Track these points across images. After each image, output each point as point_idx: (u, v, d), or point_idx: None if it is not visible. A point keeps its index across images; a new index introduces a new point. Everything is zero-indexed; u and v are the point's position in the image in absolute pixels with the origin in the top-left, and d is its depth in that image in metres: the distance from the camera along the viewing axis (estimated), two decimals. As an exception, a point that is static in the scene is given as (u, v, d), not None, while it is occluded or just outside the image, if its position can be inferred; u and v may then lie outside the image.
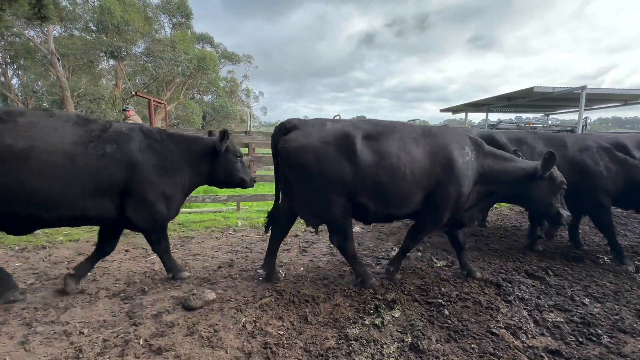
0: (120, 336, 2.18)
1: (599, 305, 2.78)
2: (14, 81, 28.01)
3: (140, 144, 2.70)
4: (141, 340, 2.14)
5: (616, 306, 2.76)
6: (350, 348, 2.11)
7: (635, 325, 2.47)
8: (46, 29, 18.64)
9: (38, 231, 4.37)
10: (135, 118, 7.19)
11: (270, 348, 2.10)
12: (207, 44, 31.74)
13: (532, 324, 2.46)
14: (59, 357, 1.98)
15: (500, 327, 2.38)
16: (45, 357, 1.98)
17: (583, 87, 8.31)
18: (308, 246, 4.17)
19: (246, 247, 4.08)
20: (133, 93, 9.90)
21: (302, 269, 3.42)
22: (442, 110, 14.17)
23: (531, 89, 8.95)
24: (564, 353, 2.13)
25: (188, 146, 3.03)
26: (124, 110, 7.51)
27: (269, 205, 6.28)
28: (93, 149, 2.47)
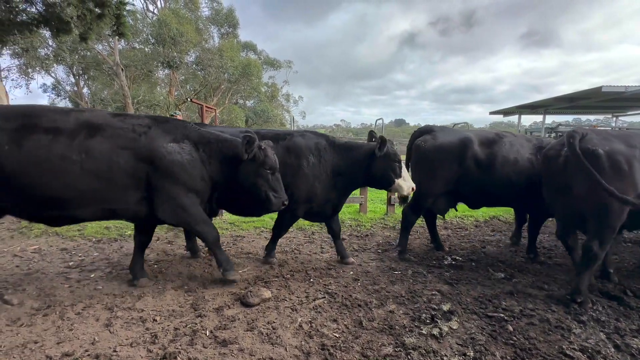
0: (188, 326, 2.35)
1: (694, 334, 2.44)
2: (85, 90, 31.48)
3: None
4: (207, 332, 2.28)
5: None
6: (409, 357, 2.07)
7: None
8: (113, 42, 20.80)
9: (111, 225, 4.86)
10: None
11: (328, 350, 2.12)
12: (251, 51, 33.17)
13: (612, 349, 2.22)
14: (137, 340, 2.18)
15: (574, 349, 2.18)
16: (126, 339, 2.19)
17: (664, 86, 7.37)
18: (355, 252, 4.16)
19: (295, 249, 4.18)
20: (188, 100, 10.70)
21: (351, 272, 3.42)
22: (491, 113, 13.36)
23: (599, 88, 8.11)
24: (655, 385, 1.90)
25: (353, 152, 3.45)
26: (172, 115, 8.05)
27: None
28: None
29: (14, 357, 2.01)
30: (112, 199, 2.61)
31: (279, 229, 3.66)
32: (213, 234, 2.94)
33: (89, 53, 23.50)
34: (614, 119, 14.19)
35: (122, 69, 20.22)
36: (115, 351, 2.06)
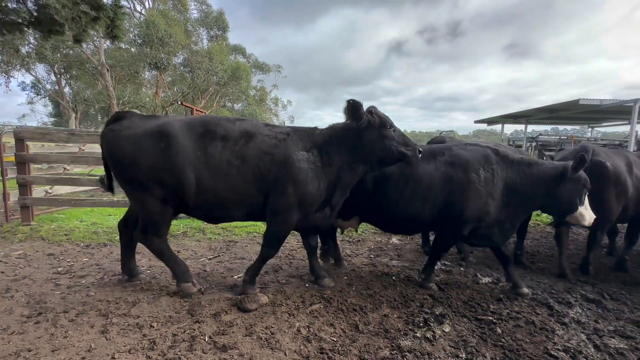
0: (186, 332, 2.35)
1: (665, 334, 2.62)
2: (66, 89, 30.54)
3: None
4: (206, 337, 2.30)
5: (686, 336, 2.59)
6: (404, 359, 2.15)
7: None
8: (98, 42, 20.34)
9: (99, 230, 4.76)
10: None
11: (327, 353, 2.18)
12: (240, 54, 33.05)
13: (592, 349, 2.37)
14: (136, 347, 2.17)
15: (558, 350, 2.31)
16: (124, 346, 2.18)
17: (636, 100, 7.84)
18: (348, 257, 4.24)
19: (288, 254, 4.21)
20: (178, 102, 10.60)
21: (345, 278, 3.49)
22: (476, 122, 13.82)
23: (577, 101, 8.55)
24: (631, 381, 2.04)
25: (534, 169, 3.09)
26: None
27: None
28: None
29: (9, 365, 1.97)
30: (257, 200, 2.79)
31: (439, 249, 3.32)
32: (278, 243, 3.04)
33: (71, 51, 22.89)
34: (590, 129, 14.92)
35: (108, 69, 19.78)
36: (113, 358, 2.05)
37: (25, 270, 3.42)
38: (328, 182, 2.84)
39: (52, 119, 38.16)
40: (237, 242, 4.63)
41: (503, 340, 2.42)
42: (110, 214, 5.88)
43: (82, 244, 4.28)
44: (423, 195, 3.04)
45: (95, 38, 17.79)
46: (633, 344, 2.45)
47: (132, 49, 21.39)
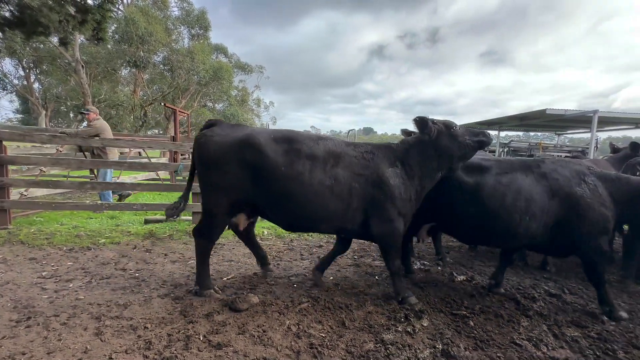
0: (181, 332, 2.44)
1: (614, 323, 2.97)
2: (35, 85, 29.05)
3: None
4: (200, 336, 2.40)
5: (631, 325, 2.94)
6: (387, 351, 2.34)
7: (649, 342, 2.66)
8: (72, 37, 19.55)
9: (82, 233, 4.69)
10: (99, 123, 6.01)
11: (316, 348, 2.34)
12: (222, 54, 32.67)
13: (552, 338, 2.66)
14: (132, 347, 2.25)
15: (522, 339, 2.59)
16: (120, 347, 2.25)
17: (595, 111, 8.54)
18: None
19: (275, 256, 4.34)
20: (161, 103, 10.42)
21: (331, 278, 3.66)
22: (453, 127, 14.50)
23: (544, 110, 9.19)
24: (583, 364, 2.33)
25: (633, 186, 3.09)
26: (81, 113, 6.89)
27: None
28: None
29: (3, 368, 2.00)
30: (348, 218, 2.97)
31: (601, 277, 3.06)
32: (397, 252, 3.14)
33: (42, 46, 21.89)
34: (557, 136, 15.96)
35: (83, 66, 19.07)
36: (111, 358, 2.12)
37: (8, 275, 3.36)
38: (415, 192, 3.09)
39: (19, 116, 36.10)
40: (224, 244, 4.70)
41: (475, 331, 2.66)
42: (91, 217, 5.77)
43: (64, 248, 4.22)
44: (523, 208, 2.99)
45: (70, 36, 17.07)
46: (586, 332, 2.77)
47: (109, 46, 20.74)
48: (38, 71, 27.63)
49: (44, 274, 3.43)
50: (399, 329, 2.65)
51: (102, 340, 2.31)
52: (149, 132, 26.62)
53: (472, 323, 2.79)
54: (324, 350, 2.32)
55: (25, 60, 24.07)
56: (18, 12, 4.05)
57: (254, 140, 2.82)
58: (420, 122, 3.06)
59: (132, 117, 21.86)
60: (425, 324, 2.75)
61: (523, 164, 3.21)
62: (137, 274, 3.52)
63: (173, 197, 8.33)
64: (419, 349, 2.40)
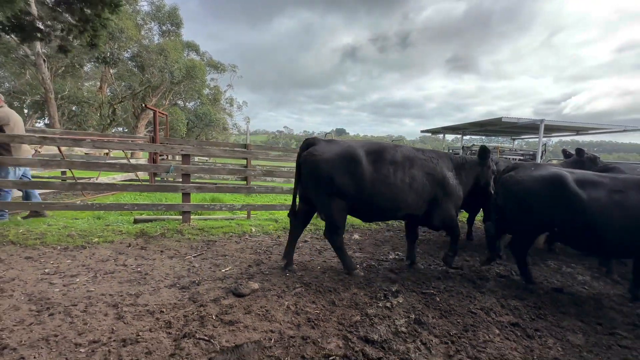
0: (194, 314, 2.80)
1: (547, 296, 3.70)
2: (-15, 78, 26.80)
3: None
4: (213, 316, 2.77)
5: (560, 296, 3.69)
6: (371, 321, 2.86)
7: (571, 309, 3.40)
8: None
9: (73, 232, 4.80)
10: (4, 110, 5.12)
11: (313, 321, 2.80)
12: (193, 51, 32.01)
13: (499, 307, 3.32)
14: (154, 327, 2.58)
15: (477, 309, 3.22)
16: (143, 327, 2.57)
17: (542, 120, 9.75)
18: (322, 249, 4.89)
19: (266, 250, 4.73)
20: (143, 105, 10.27)
21: (319, 267, 4.13)
22: (422, 131, 15.56)
23: (500, 118, 10.31)
24: (521, 325, 2.99)
25: None
26: None
27: (273, 215, 6.94)
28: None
29: (41, 347, 2.26)
30: (418, 208, 3.87)
31: None
32: (458, 233, 4.17)
33: (-7, 36, 20.30)
34: (512, 140, 17.61)
35: (44, 60, 18.03)
36: (138, 335, 2.44)
37: (10, 273, 3.49)
38: (461, 194, 4.18)
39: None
40: (215, 241, 5.01)
41: (440, 305, 3.26)
42: (76, 218, 5.80)
43: (59, 247, 4.33)
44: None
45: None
46: (525, 303, 3.46)
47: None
48: (-14, 63, 25.51)
49: (46, 270, 3.59)
50: (380, 305, 3.18)
51: (125, 323, 2.61)
52: (113, 131, 25.54)
53: (438, 299, 3.39)
54: (320, 323, 2.79)
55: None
56: (14, 18, 4.03)
57: (355, 153, 3.61)
58: (484, 152, 4.34)
59: (98, 114, 20.93)
60: (400, 301, 3.30)
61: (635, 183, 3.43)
62: (139, 269, 3.77)
63: (155, 197, 8.39)
64: (396, 318, 2.94)
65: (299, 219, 4.04)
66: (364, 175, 3.58)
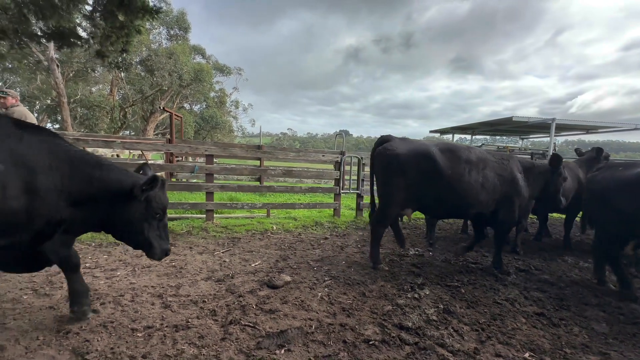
0: (235, 303, 2.95)
1: (568, 288, 3.81)
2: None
3: None
4: (253, 305, 2.92)
5: (581, 289, 3.80)
6: (403, 310, 2.99)
7: (593, 300, 3.51)
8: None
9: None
10: (20, 109, 4.70)
11: (347, 310, 2.94)
12: (199, 55, 32.40)
13: (523, 299, 3.43)
14: (200, 314, 2.73)
15: (502, 300, 3.34)
16: (190, 315, 2.73)
17: (553, 119, 9.82)
18: (343, 246, 5.04)
19: (289, 247, 4.88)
20: (160, 107, 10.54)
21: (344, 262, 4.28)
22: (431, 131, 15.66)
23: (510, 118, 10.39)
24: (546, 314, 3.10)
25: None
26: None
27: (289, 213, 7.05)
28: None
29: (101, 332, 2.42)
30: (487, 206, 3.99)
31: None
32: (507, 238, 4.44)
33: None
34: (521, 140, 17.63)
35: (58, 65, 18.42)
36: (188, 321, 2.60)
37: (54, 268, 3.66)
38: (527, 195, 4.25)
39: (-23, 115, 33.68)
40: (240, 238, 5.17)
41: (466, 296, 3.38)
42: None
43: (93, 244, 4.52)
44: None
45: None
46: (548, 295, 3.58)
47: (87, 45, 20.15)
48: (1, 68, 26.09)
49: (87, 264, 3.77)
50: (408, 296, 3.31)
51: (172, 311, 2.78)
52: (121, 133, 25.94)
53: (463, 291, 3.52)
54: (354, 312, 2.93)
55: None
56: (54, 26, 4.22)
57: (431, 151, 3.78)
58: (557, 159, 4.29)
59: (109, 118, 21.30)
60: (427, 292, 3.43)
61: None
62: (173, 264, 3.94)
63: (174, 196, 8.59)
64: (425, 308, 3.07)
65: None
66: (438, 172, 3.71)
